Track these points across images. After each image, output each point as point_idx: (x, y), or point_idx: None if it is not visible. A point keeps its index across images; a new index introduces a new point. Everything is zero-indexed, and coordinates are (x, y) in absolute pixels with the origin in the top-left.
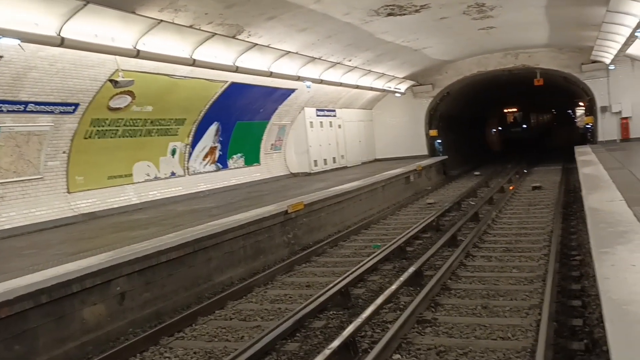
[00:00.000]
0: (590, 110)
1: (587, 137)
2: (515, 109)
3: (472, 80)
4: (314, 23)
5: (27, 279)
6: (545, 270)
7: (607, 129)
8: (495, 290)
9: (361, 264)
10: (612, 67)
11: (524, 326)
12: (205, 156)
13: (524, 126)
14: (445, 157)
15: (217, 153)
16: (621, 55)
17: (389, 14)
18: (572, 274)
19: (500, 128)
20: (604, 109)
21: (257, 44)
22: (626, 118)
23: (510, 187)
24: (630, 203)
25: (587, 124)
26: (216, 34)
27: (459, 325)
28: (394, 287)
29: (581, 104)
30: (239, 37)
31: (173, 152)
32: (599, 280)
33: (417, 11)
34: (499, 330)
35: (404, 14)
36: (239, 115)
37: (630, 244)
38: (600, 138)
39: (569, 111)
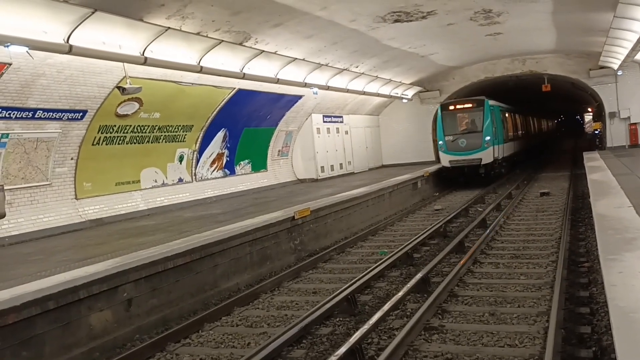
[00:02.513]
0: (599, 116)
1: (596, 142)
2: (469, 105)
3: (479, 86)
4: (320, 30)
5: (35, 285)
6: (553, 277)
7: (616, 134)
8: (502, 297)
9: (368, 270)
10: (620, 72)
11: (531, 333)
12: (213, 162)
13: (487, 138)
14: None
15: (225, 159)
16: (629, 60)
17: (396, 21)
18: (580, 281)
19: (440, 143)
20: (613, 115)
21: (264, 51)
22: (635, 124)
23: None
24: (638, 209)
25: (596, 130)
26: (223, 41)
27: (466, 332)
28: (400, 293)
29: (589, 109)
30: (246, 44)
31: (180, 159)
32: (607, 288)
33: (423, 17)
34: (507, 337)
35: (411, 21)
36: (246, 122)
37: (639, 250)
38: (608, 144)
39: (578, 117)
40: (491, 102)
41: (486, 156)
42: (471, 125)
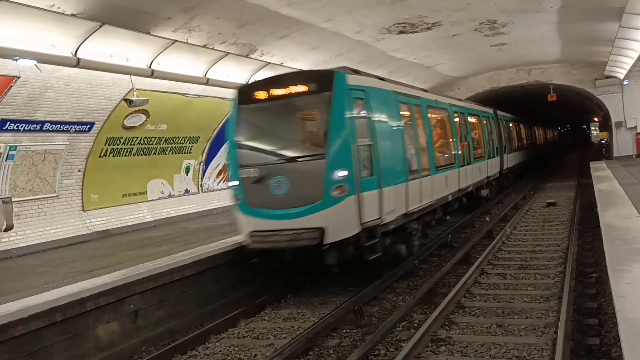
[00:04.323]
0: (605, 126)
1: (603, 152)
2: (299, 88)
3: (484, 97)
4: (325, 41)
5: (42, 297)
6: (561, 287)
7: (623, 144)
8: (510, 308)
9: (375, 282)
10: (626, 82)
11: (539, 345)
12: (219, 173)
13: (340, 173)
14: None
15: None
16: (635, 70)
17: (401, 32)
18: (588, 292)
19: (233, 184)
20: (619, 124)
21: (269, 63)
22: None
23: None
24: None
25: (602, 140)
26: (229, 53)
27: (473, 344)
28: (407, 305)
29: (596, 119)
30: (252, 56)
31: (187, 170)
32: (615, 299)
33: (428, 28)
34: (514, 349)
35: (416, 32)
36: None
37: None
38: (615, 153)
39: (584, 126)
40: (364, 79)
41: (336, 220)
42: (303, 138)
